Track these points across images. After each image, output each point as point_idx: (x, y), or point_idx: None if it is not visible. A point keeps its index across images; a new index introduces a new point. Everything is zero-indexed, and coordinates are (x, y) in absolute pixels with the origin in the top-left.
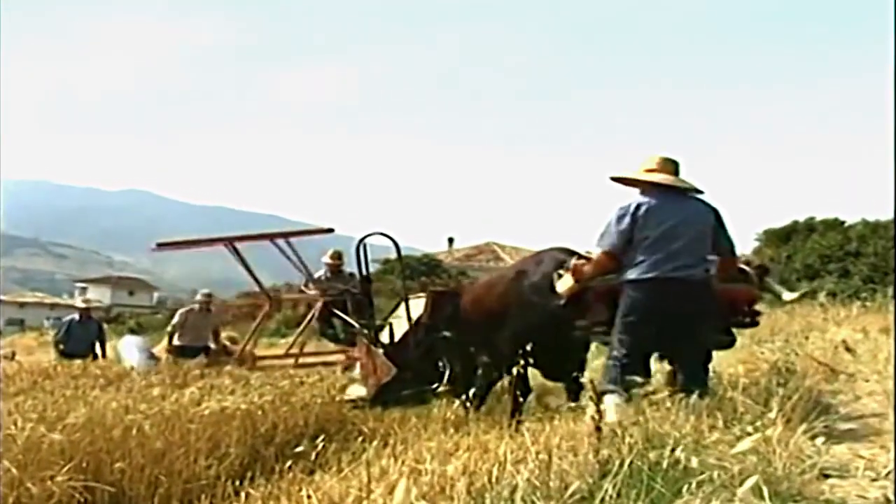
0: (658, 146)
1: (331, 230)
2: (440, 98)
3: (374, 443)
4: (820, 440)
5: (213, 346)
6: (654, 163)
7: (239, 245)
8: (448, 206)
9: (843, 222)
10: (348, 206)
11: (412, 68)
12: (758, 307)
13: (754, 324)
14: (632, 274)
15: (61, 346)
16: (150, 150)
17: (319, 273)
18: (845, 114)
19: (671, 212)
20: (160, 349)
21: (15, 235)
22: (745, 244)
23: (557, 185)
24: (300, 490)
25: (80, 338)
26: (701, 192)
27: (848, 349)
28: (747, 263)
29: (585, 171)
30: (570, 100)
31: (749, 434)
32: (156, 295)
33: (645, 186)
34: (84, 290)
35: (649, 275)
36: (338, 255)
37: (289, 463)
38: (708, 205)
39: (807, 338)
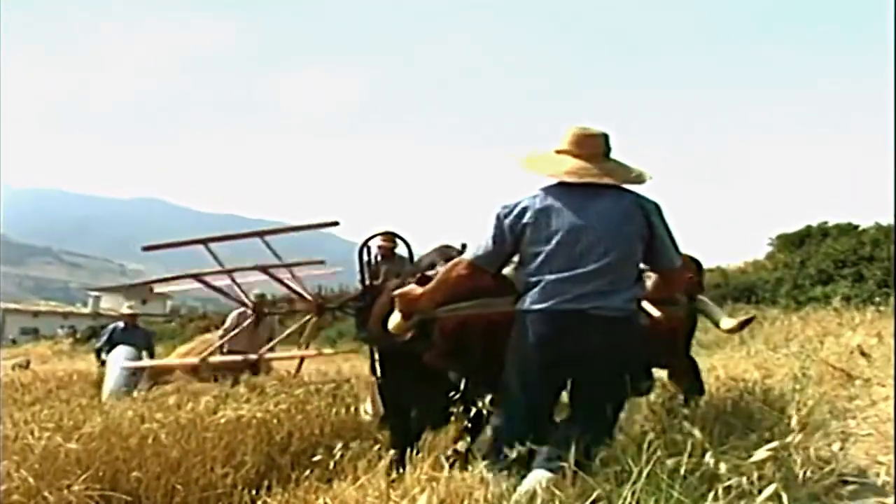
0: (665, 148)
1: (336, 223)
2: (444, 101)
3: (392, 450)
4: (837, 446)
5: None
6: (568, 141)
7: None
8: (455, 210)
9: (856, 226)
10: (356, 211)
11: (416, 72)
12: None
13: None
14: (522, 302)
15: (103, 356)
16: (163, 158)
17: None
18: (859, 117)
19: (578, 213)
20: (174, 356)
21: (28, 244)
22: (758, 249)
23: None
24: (317, 498)
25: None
26: (640, 181)
27: (863, 354)
28: None
29: None
30: (573, 101)
31: (767, 440)
32: (169, 303)
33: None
34: (97, 298)
35: (542, 305)
36: (390, 237)
37: (305, 471)
38: (641, 199)
39: (822, 343)
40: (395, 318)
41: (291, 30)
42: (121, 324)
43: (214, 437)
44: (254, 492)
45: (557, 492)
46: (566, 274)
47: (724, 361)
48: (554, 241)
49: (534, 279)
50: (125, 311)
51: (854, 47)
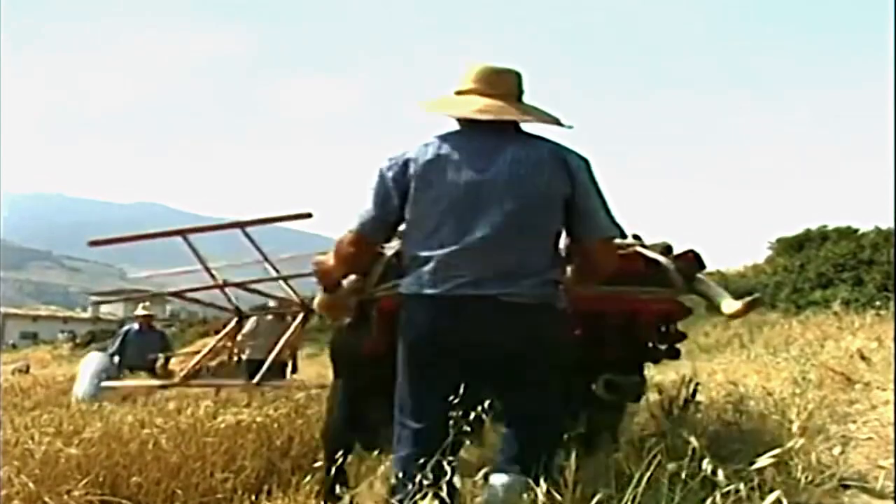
0: (665, 150)
1: (309, 215)
2: None
3: (392, 455)
4: (837, 450)
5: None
6: (473, 79)
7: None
8: None
9: (856, 230)
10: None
11: (416, 72)
12: (681, 325)
13: (673, 354)
14: (404, 286)
15: (117, 359)
16: (164, 162)
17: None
18: (859, 121)
19: (480, 164)
20: (175, 363)
21: (29, 249)
22: (758, 253)
23: None
24: (317, 503)
25: (140, 349)
26: (560, 124)
27: (863, 358)
28: (665, 252)
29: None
30: (574, 104)
31: (767, 445)
32: (168, 308)
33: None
34: (97, 303)
35: (429, 290)
36: None
37: (306, 476)
38: (564, 150)
39: (822, 347)
40: (318, 296)
41: (292, 35)
42: (135, 325)
43: (214, 442)
44: (254, 497)
45: (557, 496)
46: (460, 246)
47: (724, 365)
48: (446, 202)
49: (423, 254)
50: (140, 311)
51: (854, 53)
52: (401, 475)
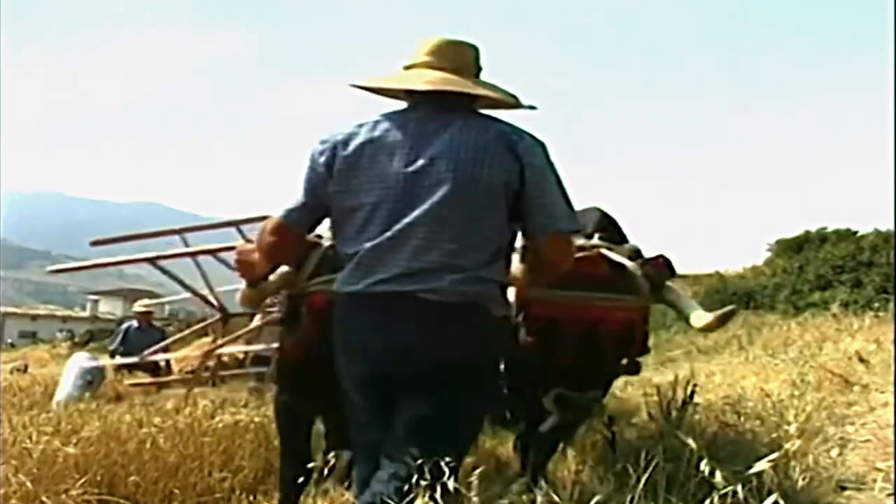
0: (665, 153)
1: None
2: None
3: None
4: (836, 452)
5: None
6: (426, 52)
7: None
8: None
9: (855, 232)
10: None
11: None
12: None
13: (632, 370)
14: (337, 283)
15: (117, 357)
16: (163, 162)
17: None
18: (859, 121)
19: (420, 147)
20: (174, 361)
21: (28, 248)
22: (757, 255)
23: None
24: (314, 503)
25: (140, 347)
26: (519, 105)
27: (862, 360)
28: (633, 256)
29: (593, 180)
30: (575, 109)
31: (765, 446)
32: (167, 307)
33: (401, 96)
34: (96, 302)
35: (350, 288)
36: None
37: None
38: (516, 131)
39: (820, 349)
40: (242, 289)
41: (293, 36)
42: (135, 323)
43: (212, 442)
44: (252, 497)
45: (556, 497)
46: (384, 239)
47: (722, 367)
48: (378, 192)
49: (352, 249)
50: (138, 308)
51: (854, 53)
52: (361, 498)
